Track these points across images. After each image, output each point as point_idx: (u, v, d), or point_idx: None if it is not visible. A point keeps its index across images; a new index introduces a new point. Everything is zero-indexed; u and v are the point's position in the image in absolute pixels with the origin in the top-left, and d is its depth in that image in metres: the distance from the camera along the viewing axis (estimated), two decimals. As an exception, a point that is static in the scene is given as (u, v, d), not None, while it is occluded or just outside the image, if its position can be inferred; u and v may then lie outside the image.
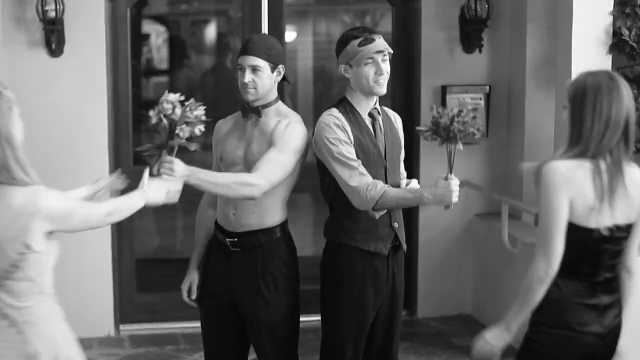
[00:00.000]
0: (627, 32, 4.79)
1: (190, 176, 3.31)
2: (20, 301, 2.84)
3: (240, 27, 5.99)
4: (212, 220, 3.85)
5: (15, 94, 5.70)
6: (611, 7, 4.81)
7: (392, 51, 3.67)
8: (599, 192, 2.91)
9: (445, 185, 3.44)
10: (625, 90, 2.94)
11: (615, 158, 2.93)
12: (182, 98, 3.33)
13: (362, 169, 3.57)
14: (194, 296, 3.82)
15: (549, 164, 2.93)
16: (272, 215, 3.67)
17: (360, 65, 3.60)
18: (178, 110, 3.26)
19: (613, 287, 3.08)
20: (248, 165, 3.61)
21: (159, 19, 8.28)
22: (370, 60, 3.60)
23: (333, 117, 3.63)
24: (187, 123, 3.26)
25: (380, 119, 3.75)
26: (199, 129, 3.32)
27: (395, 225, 3.73)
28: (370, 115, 3.72)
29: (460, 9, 5.85)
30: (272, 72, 3.64)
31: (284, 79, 3.74)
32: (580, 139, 2.93)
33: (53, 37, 5.35)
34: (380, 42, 3.62)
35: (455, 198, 3.46)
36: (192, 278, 3.82)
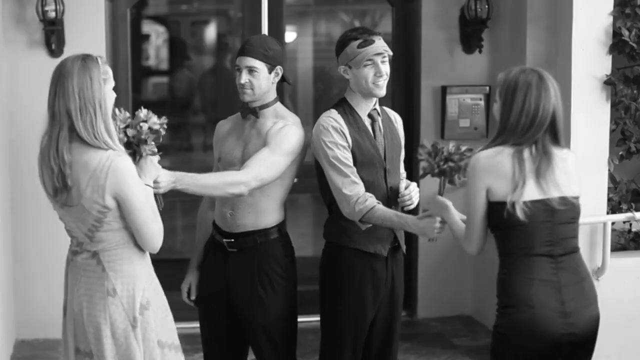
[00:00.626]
0: (627, 33, 4.79)
1: (176, 182, 3.31)
2: (107, 247, 3.08)
3: (240, 27, 6.00)
4: (212, 220, 3.85)
5: (15, 94, 5.72)
6: (611, 8, 4.81)
7: (391, 53, 3.66)
8: (522, 172, 3.08)
9: (428, 223, 3.45)
10: (553, 90, 3.15)
11: (541, 145, 3.12)
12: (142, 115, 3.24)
13: (356, 177, 3.57)
14: (193, 297, 3.82)
15: (474, 156, 3.19)
16: (269, 216, 3.67)
17: (360, 66, 3.60)
18: (145, 126, 3.19)
19: (571, 265, 3.16)
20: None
21: (159, 19, 8.27)
22: (369, 62, 3.59)
23: (332, 119, 3.62)
24: (145, 141, 3.19)
25: (379, 120, 3.74)
26: (159, 135, 3.23)
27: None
28: (370, 116, 3.72)
29: (460, 10, 5.86)
30: (270, 73, 3.65)
31: (283, 80, 3.73)
32: (504, 131, 3.16)
33: (53, 37, 5.35)
34: (379, 44, 3.61)
35: (435, 234, 3.46)
36: (192, 278, 3.83)
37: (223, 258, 3.71)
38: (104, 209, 3.01)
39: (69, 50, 5.43)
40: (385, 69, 3.63)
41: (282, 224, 3.74)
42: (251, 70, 3.61)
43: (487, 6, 5.73)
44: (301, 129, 3.68)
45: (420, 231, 3.50)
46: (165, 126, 3.24)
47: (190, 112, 8.01)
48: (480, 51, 5.87)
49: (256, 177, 3.49)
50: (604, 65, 4.82)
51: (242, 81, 3.61)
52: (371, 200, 3.54)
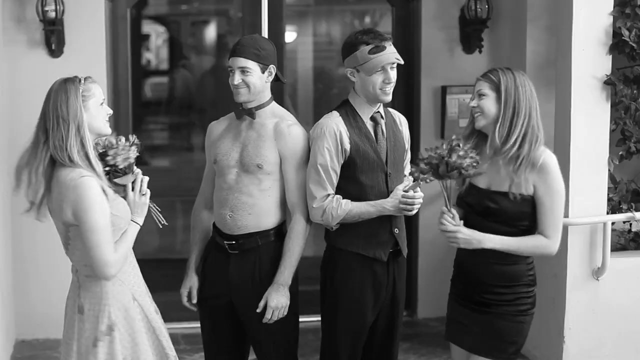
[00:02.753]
0: (627, 33, 4.78)
1: None
2: (81, 262, 3.14)
3: (240, 27, 5.99)
4: (207, 222, 3.85)
5: (15, 94, 5.72)
6: (611, 8, 4.80)
7: (402, 62, 3.64)
8: None
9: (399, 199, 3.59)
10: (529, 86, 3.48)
11: None
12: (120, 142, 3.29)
13: (332, 189, 3.61)
14: (194, 300, 3.81)
15: (551, 155, 3.42)
16: (269, 216, 3.67)
17: (370, 73, 3.58)
18: (118, 158, 3.22)
19: None
20: (244, 168, 3.61)
21: (159, 19, 8.28)
22: (380, 69, 3.57)
23: (332, 123, 3.61)
24: (122, 170, 3.23)
25: (383, 123, 3.73)
26: (133, 157, 3.28)
27: (396, 231, 3.74)
28: (373, 119, 3.70)
29: (460, 10, 5.85)
30: (263, 72, 3.63)
31: (277, 79, 3.72)
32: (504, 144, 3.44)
33: (53, 37, 5.34)
34: (391, 53, 3.59)
35: (414, 211, 3.63)
36: (192, 282, 3.81)
37: (224, 260, 3.70)
38: (68, 225, 3.08)
39: (69, 50, 5.44)
40: (394, 75, 3.63)
41: (283, 224, 3.73)
42: (244, 70, 3.60)
43: (487, 6, 5.73)
44: (301, 126, 3.70)
45: (397, 210, 3.60)
46: (136, 149, 3.27)
47: (190, 112, 8.01)
48: (480, 51, 5.87)
49: (305, 206, 3.64)
50: (604, 65, 4.82)
51: (236, 82, 3.61)
52: (344, 205, 3.58)
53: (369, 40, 3.57)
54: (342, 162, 3.64)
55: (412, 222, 6.03)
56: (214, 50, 8.10)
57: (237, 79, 3.60)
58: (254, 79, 3.61)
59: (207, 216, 3.85)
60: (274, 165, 3.62)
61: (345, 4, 7.96)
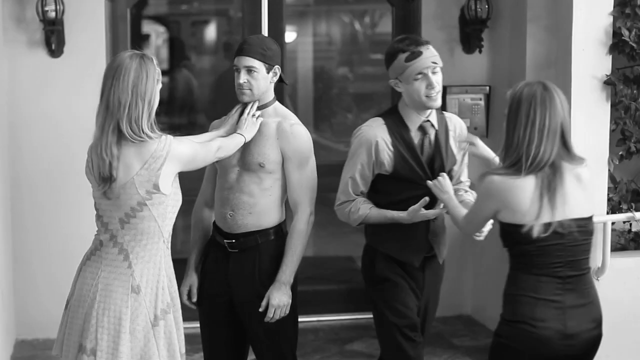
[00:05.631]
0: (627, 33, 4.78)
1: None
2: (137, 239, 3.19)
3: (240, 27, 6.00)
4: (208, 221, 3.85)
5: (15, 94, 5.71)
6: (611, 8, 4.81)
7: (442, 64, 3.56)
8: (540, 202, 3.06)
9: (413, 209, 3.49)
10: (559, 100, 3.07)
11: (553, 164, 3.08)
12: None
13: (356, 196, 3.63)
14: (194, 299, 3.81)
15: (488, 177, 3.15)
16: (270, 215, 3.67)
17: (410, 81, 3.51)
18: None
19: (579, 286, 3.16)
20: (245, 167, 3.62)
21: (159, 19, 8.28)
22: (419, 76, 3.49)
23: (372, 133, 3.58)
24: None
25: (432, 133, 3.64)
26: None
27: (433, 237, 3.69)
28: (421, 128, 3.62)
29: (460, 10, 5.85)
30: (268, 72, 3.62)
31: (281, 80, 3.73)
32: (511, 148, 3.10)
33: (53, 37, 5.34)
34: (428, 55, 3.52)
35: (424, 216, 3.51)
36: (192, 281, 3.81)
37: (224, 259, 3.70)
38: (152, 192, 3.15)
39: (69, 50, 5.44)
40: (437, 79, 3.51)
41: (283, 223, 3.74)
42: (250, 70, 3.59)
43: (487, 6, 5.73)
44: (304, 126, 3.70)
45: (408, 218, 3.53)
46: None
47: (191, 111, 8.01)
48: (480, 51, 5.87)
49: (311, 202, 3.66)
50: (604, 65, 4.82)
51: (241, 81, 3.60)
52: (361, 210, 3.60)
53: (404, 47, 3.51)
54: (379, 172, 3.60)
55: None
56: (214, 50, 8.11)
57: (242, 78, 3.59)
58: (259, 79, 3.60)
59: (208, 215, 3.85)
60: (276, 165, 3.62)
61: (345, 4, 7.97)
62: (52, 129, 5.47)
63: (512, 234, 3.14)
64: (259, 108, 3.67)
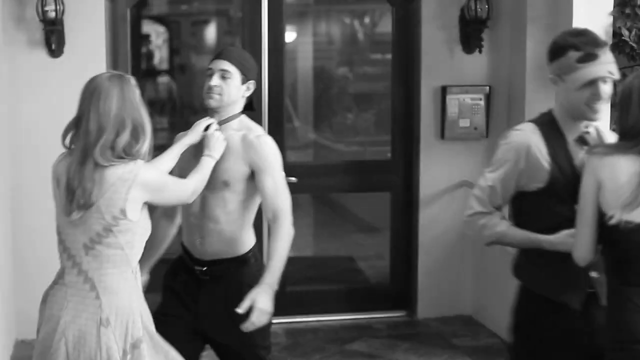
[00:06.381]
0: (627, 33, 4.79)
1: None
2: (104, 267, 3.02)
3: (240, 27, 6.00)
4: (164, 231, 3.70)
5: (15, 94, 5.72)
6: (611, 8, 4.81)
7: (618, 77, 3.07)
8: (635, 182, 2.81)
9: (564, 235, 2.99)
10: None
11: None
12: None
13: (493, 208, 3.15)
14: None
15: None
16: (239, 242, 3.52)
17: (575, 85, 3.01)
18: None
19: None
20: (209, 187, 3.42)
21: (159, 19, 8.28)
22: (588, 83, 2.99)
23: (525, 140, 3.08)
24: None
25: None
26: None
27: (595, 274, 3.06)
28: (581, 140, 3.09)
29: (460, 10, 5.86)
30: (242, 83, 3.48)
31: (250, 103, 3.57)
32: (625, 129, 2.89)
33: (53, 37, 5.35)
34: (604, 63, 2.99)
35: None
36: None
37: (194, 284, 3.54)
38: (118, 217, 3.00)
39: (69, 50, 5.45)
40: (607, 90, 3.02)
41: (254, 247, 3.58)
42: (225, 74, 3.43)
43: (487, 6, 5.73)
44: (270, 137, 3.54)
45: (558, 243, 3.00)
46: None
47: (191, 112, 8.01)
48: (480, 51, 5.87)
49: (289, 210, 3.45)
50: (604, 65, 4.82)
51: (213, 83, 3.42)
52: (498, 227, 3.12)
53: (580, 44, 3.00)
54: (525, 190, 3.10)
55: (412, 222, 6.04)
56: (214, 50, 8.11)
57: (215, 80, 3.43)
58: (231, 86, 3.45)
59: (165, 223, 3.69)
60: (241, 182, 3.46)
61: (345, 4, 7.96)
62: (52, 129, 5.46)
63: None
64: (224, 121, 3.50)
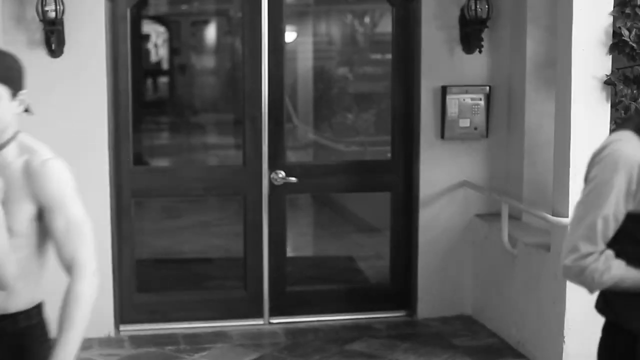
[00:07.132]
0: (627, 33, 4.78)
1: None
2: None
3: (240, 27, 6.00)
4: None
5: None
6: (611, 8, 4.81)
7: None
8: None
9: None
10: None
11: None
12: None
13: (602, 248, 2.58)
14: None
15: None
16: (22, 295, 2.87)
17: None
18: None
19: None
20: None
21: (159, 19, 8.29)
22: None
23: (632, 152, 2.50)
24: None
25: None
26: None
27: None
28: None
29: (460, 10, 5.85)
30: (13, 99, 2.71)
31: (26, 110, 2.82)
32: None
33: (53, 37, 5.34)
34: None
35: None
36: None
37: None
38: None
39: (69, 50, 5.44)
40: None
41: (41, 303, 2.96)
42: None
43: (487, 6, 5.73)
44: (58, 159, 2.80)
45: None
46: None
47: (190, 112, 8.02)
48: (480, 51, 5.87)
49: (91, 257, 2.81)
50: (604, 65, 4.82)
51: None
52: (615, 269, 2.58)
53: None
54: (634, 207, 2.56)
55: (412, 222, 6.04)
56: (214, 50, 8.12)
57: None
58: (2, 109, 2.68)
59: None
60: (28, 223, 2.75)
61: (345, 4, 7.98)
62: (51, 129, 5.47)
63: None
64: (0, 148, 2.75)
